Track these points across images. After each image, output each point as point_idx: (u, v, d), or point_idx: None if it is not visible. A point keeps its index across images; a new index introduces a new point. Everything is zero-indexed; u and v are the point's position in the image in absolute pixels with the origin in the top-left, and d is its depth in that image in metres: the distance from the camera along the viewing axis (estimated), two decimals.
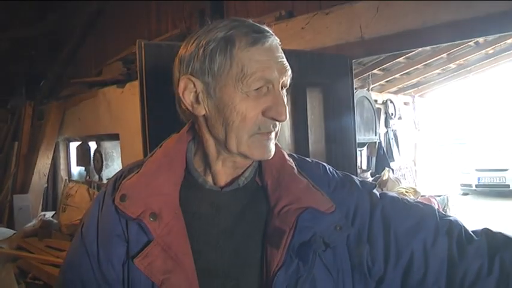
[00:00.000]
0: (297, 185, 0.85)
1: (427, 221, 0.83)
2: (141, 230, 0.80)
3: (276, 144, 0.89)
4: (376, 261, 0.82)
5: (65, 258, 0.92)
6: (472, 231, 0.82)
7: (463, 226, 0.83)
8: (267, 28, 0.82)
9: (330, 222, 0.81)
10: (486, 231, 0.82)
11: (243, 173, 0.87)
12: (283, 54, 0.82)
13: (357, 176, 2.81)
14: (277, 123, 0.81)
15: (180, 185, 0.86)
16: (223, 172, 0.86)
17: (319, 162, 0.95)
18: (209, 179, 0.88)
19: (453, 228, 0.82)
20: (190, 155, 0.89)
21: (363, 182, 0.91)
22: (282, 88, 0.82)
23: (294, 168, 0.88)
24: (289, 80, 0.83)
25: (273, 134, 0.83)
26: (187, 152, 0.89)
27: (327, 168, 0.93)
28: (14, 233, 4.31)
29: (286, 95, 0.84)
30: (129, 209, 0.80)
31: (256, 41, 0.78)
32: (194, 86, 0.82)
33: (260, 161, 0.88)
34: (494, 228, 0.85)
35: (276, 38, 0.83)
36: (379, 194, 0.89)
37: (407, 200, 0.89)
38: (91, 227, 0.86)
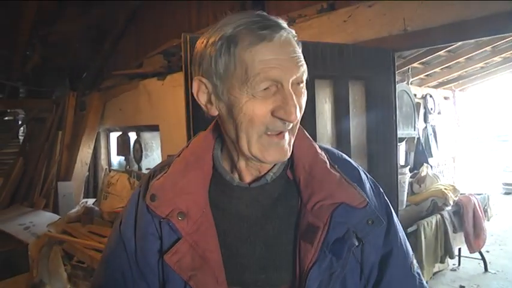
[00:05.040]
0: (330, 180, 0.83)
1: None
2: (171, 228, 0.82)
3: (306, 138, 0.88)
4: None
5: (104, 251, 0.95)
6: None
7: None
8: (278, 21, 0.77)
9: (362, 217, 0.80)
10: None
11: (271, 168, 0.87)
12: (296, 48, 0.77)
13: (397, 171, 2.76)
14: (288, 122, 0.78)
15: (208, 182, 0.86)
16: (247, 171, 0.86)
17: (351, 161, 0.94)
18: (236, 175, 0.88)
19: None
20: (217, 153, 0.89)
21: (385, 200, 0.92)
22: (298, 84, 0.78)
23: (326, 162, 0.86)
24: (304, 75, 0.78)
25: (286, 135, 0.79)
26: (214, 150, 0.89)
27: (359, 169, 0.92)
28: (59, 218, 4.51)
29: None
30: (159, 208, 0.82)
31: (261, 38, 0.74)
32: (206, 87, 0.81)
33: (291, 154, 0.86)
34: None
35: (290, 30, 0.78)
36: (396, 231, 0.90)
37: (411, 265, 0.90)
38: (129, 225, 0.89)
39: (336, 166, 0.86)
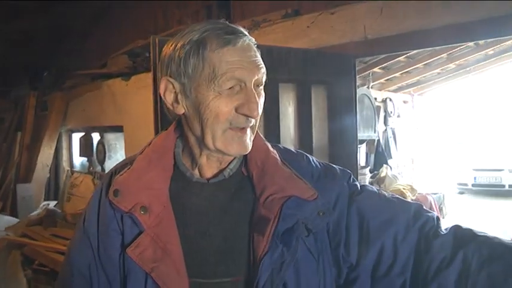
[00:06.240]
0: (281, 175, 0.89)
1: (399, 217, 0.88)
2: (133, 222, 0.86)
3: (259, 137, 0.94)
4: (350, 251, 0.89)
5: (69, 248, 0.98)
6: (445, 228, 0.87)
7: (437, 222, 0.88)
8: (240, 29, 0.85)
9: (313, 209, 0.85)
10: (456, 227, 0.86)
11: (228, 165, 0.92)
12: (257, 53, 0.85)
13: (357, 172, 2.87)
14: (250, 119, 0.85)
15: (169, 179, 0.91)
16: (209, 165, 0.91)
17: (303, 153, 1.00)
18: (196, 172, 0.92)
19: (426, 224, 0.87)
20: (178, 151, 0.94)
21: (343, 171, 0.97)
22: (257, 85, 0.85)
23: (277, 159, 0.92)
24: (264, 78, 0.86)
25: (248, 130, 0.86)
26: (175, 148, 0.94)
27: (311, 159, 0.98)
28: (18, 222, 4.37)
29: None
30: (122, 203, 0.86)
31: (227, 42, 0.82)
32: (173, 86, 0.86)
33: None
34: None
35: (250, 38, 0.86)
36: (360, 186, 0.95)
37: (384, 195, 0.95)
38: (92, 221, 0.92)
39: (287, 163, 0.93)
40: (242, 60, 0.82)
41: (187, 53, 0.83)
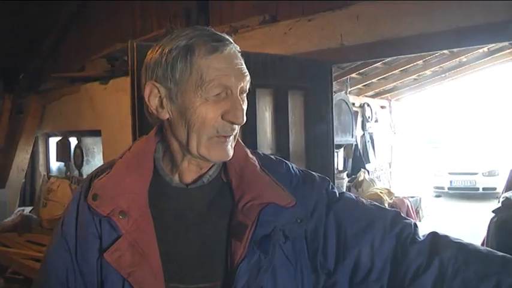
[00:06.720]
0: (260, 181, 0.90)
1: (376, 224, 0.89)
2: (112, 227, 0.86)
3: (239, 143, 0.95)
4: (328, 258, 0.89)
5: (47, 252, 0.97)
6: (422, 235, 0.88)
7: (415, 229, 0.89)
8: (226, 37, 0.87)
9: (291, 216, 0.86)
10: (433, 234, 0.88)
11: (207, 171, 0.93)
12: (242, 61, 0.87)
13: (334, 176, 2.91)
14: (235, 126, 0.86)
15: (148, 183, 0.91)
16: (189, 170, 0.92)
17: (283, 160, 1.01)
18: (176, 177, 0.93)
19: (403, 231, 0.87)
20: (158, 156, 0.94)
21: (322, 179, 0.98)
22: (242, 93, 0.87)
23: (256, 165, 0.93)
24: (248, 85, 0.88)
25: (231, 138, 0.88)
26: (155, 153, 0.94)
27: (290, 166, 0.99)
28: None
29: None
30: (101, 207, 0.86)
31: (214, 49, 0.83)
32: (158, 91, 0.87)
33: None
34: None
35: (236, 45, 0.88)
36: (338, 194, 0.96)
37: (363, 202, 0.96)
38: (70, 224, 0.92)
39: (266, 170, 0.94)
40: (229, 67, 0.83)
41: (175, 58, 0.84)
